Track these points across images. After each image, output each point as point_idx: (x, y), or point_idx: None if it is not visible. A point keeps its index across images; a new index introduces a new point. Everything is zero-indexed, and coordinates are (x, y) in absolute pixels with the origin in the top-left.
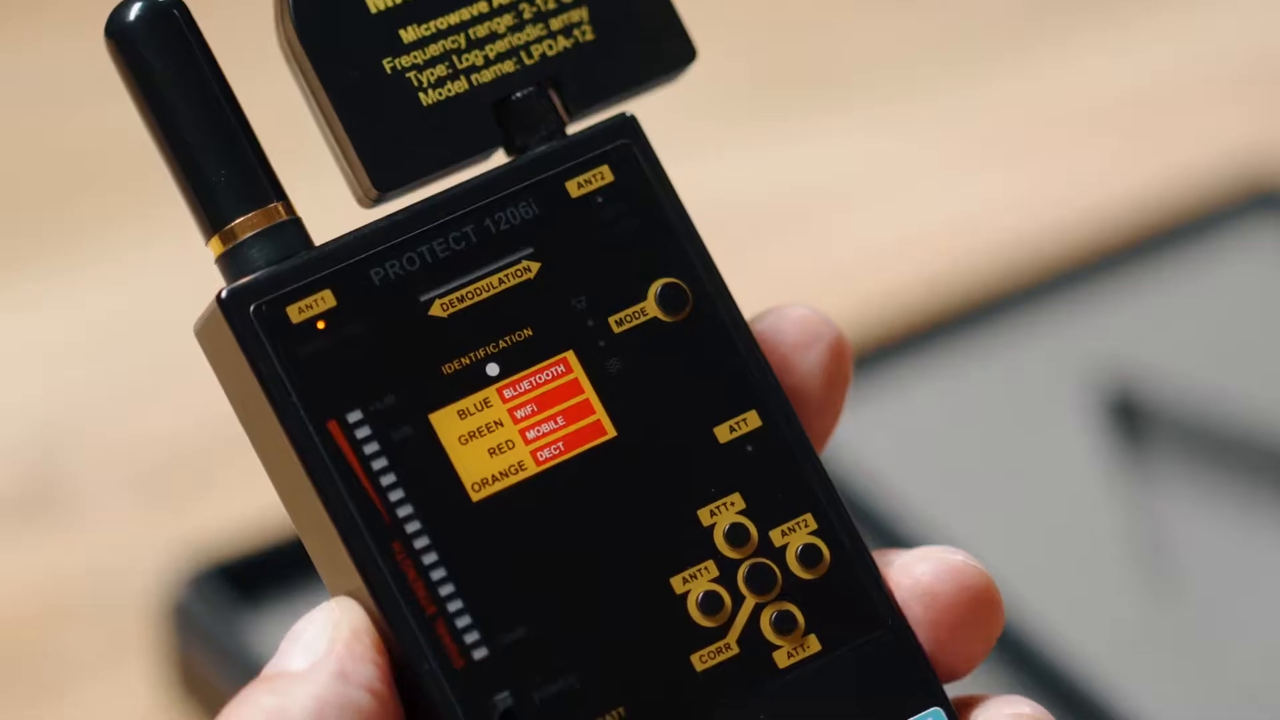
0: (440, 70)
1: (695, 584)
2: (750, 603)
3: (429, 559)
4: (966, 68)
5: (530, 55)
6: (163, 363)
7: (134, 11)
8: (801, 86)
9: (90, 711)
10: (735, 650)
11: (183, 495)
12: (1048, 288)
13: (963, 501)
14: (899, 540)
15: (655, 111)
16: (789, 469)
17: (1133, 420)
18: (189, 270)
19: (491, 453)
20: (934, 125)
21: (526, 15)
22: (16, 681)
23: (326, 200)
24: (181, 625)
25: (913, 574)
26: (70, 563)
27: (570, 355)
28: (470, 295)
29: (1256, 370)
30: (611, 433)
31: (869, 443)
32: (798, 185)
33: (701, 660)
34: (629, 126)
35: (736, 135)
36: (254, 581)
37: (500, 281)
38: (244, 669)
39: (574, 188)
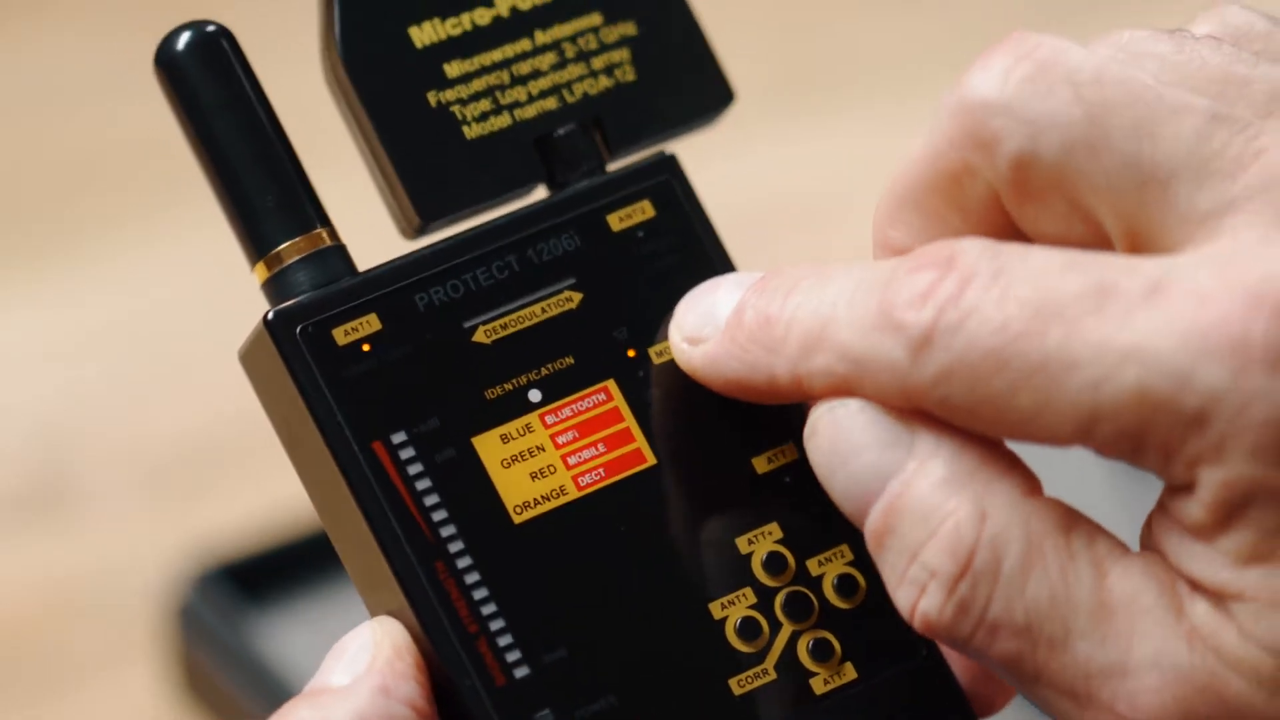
0: (484, 105)
1: (733, 610)
2: (787, 630)
3: (471, 579)
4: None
5: (573, 93)
6: (166, 362)
7: (182, 41)
8: (809, 88)
9: (94, 712)
10: (773, 676)
11: (187, 495)
12: None
13: None
14: None
15: None
16: (826, 500)
17: None
18: (193, 270)
19: (533, 476)
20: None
21: (569, 54)
22: (20, 681)
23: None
24: (186, 625)
25: None
26: (74, 562)
27: (611, 384)
28: (513, 323)
29: None
30: (651, 460)
31: None
32: (805, 187)
33: (740, 685)
34: (669, 164)
35: (744, 137)
36: (258, 582)
37: (543, 310)
38: (248, 669)
39: (615, 221)
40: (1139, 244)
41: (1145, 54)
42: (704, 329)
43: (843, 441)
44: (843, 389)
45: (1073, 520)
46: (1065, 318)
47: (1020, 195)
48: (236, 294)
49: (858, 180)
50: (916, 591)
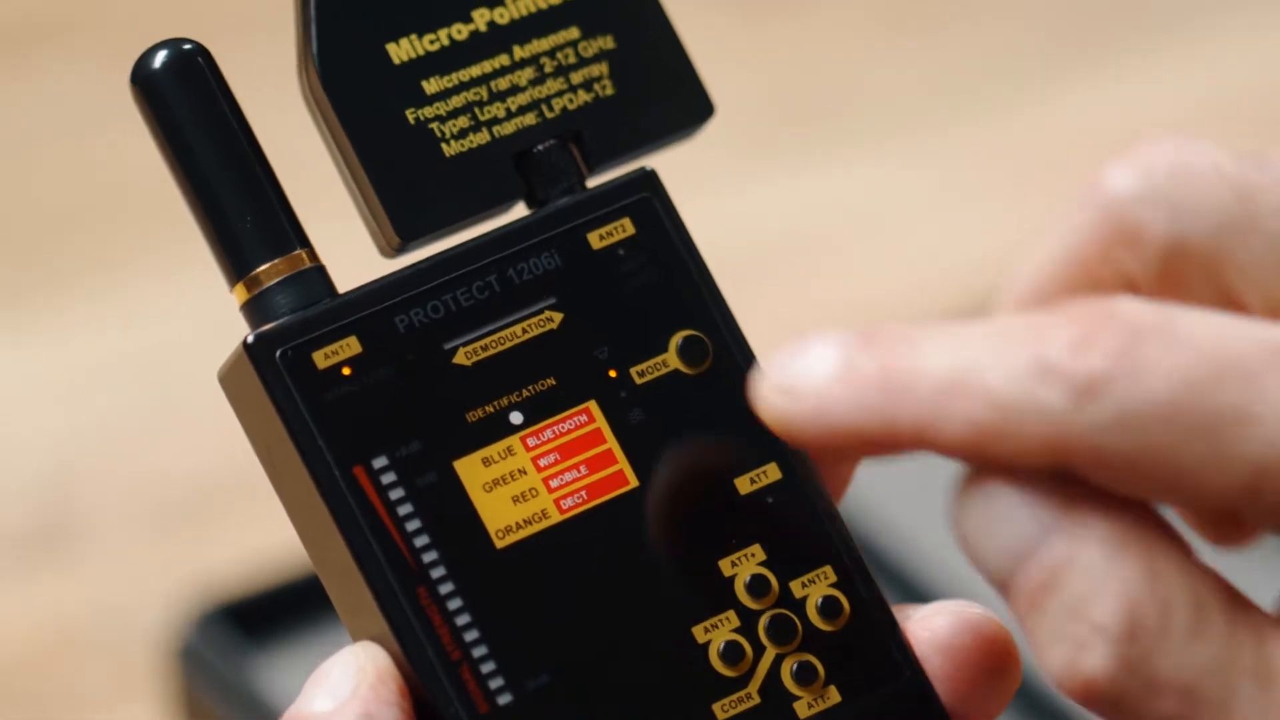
0: (463, 122)
1: (717, 634)
2: (771, 653)
3: (454, 604)
4: (979, 107)
5: (551, 109)
6: (173, 401)
7: (159, 59)
8: (810, 124)
9: None
10: (757, 700)
11: (190, 534)
12: None
13: None
14: (917, 591)
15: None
16: (809, 521)
17: None
18: (197, 308)
19: (515, 500)
20: (945, 164)
21: (548, 69)
22: (23, 718)
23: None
24: (188, 664)
25: (931, 627)
26: (77, 600)
27: (593, 405)
28: (494, 344)
29: None
30: (634, 483)
31: (887, 493)
32: (806, 222)
33: (724, 709)
34: (649, 180)
35: (743, 172)
36: (260, 621)
37: (524, 331)
38: (250, 708)
39: (596, 240)
40: None
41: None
42: (801, 380)
43: (1001, 499)
44: (981, 440)
45: (1231, 587)
46: (1244, 371)
47: (1166, 285)
48: (242, 332)
49: (861, 216)
50: (1076, 650)
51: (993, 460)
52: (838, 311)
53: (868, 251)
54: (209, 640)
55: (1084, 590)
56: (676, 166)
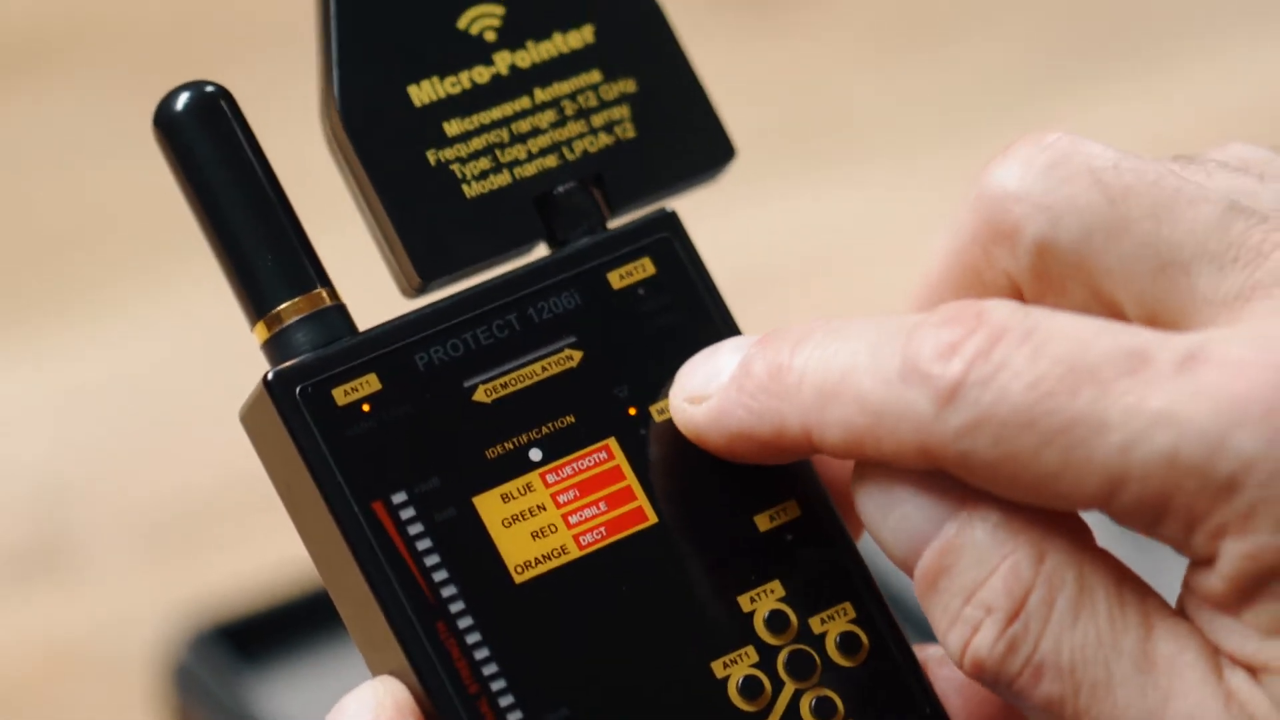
0: (484, 163)
1: (736, 669)
2: (790, 688)
3: (473, 639)
4: (973, 127)
5: (572, 151)
6: (166, 420)
7: (181, 102)
8: (805, 144)
9: None
10: None
11: (185, 554)
12: None
13: None
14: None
15: None
16: (828, 558)
17: None
18: (193, 328)
19: (534, 536)
20: (940, 184)
21: (569, 111)
22: None
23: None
24: (183, 685)
25: (952, 668)
26: (72, 620)
27: (612, 442)
28: (513, 382)
29: None
30: (652, 519)
31: None
32: (804, 243)
33: None
34: (670, 221)
35: (745, 194)
36: (255, 642)
37: (543, 369)
38: None
39: (616, 279)
40: (1160, 326)
41: (1158, 161)
42: (707, 388)
43: (897, 487)
44: (858, 443)
45: (1125, 574)
46: (1098, 378)
47: (1041, 284)
48: (237, 352)
49: (859, 237)
50: (969, 630)
51: (871, 462)
52: None
53: (862, 272)
54: (204, 660)
55: (974, 573)
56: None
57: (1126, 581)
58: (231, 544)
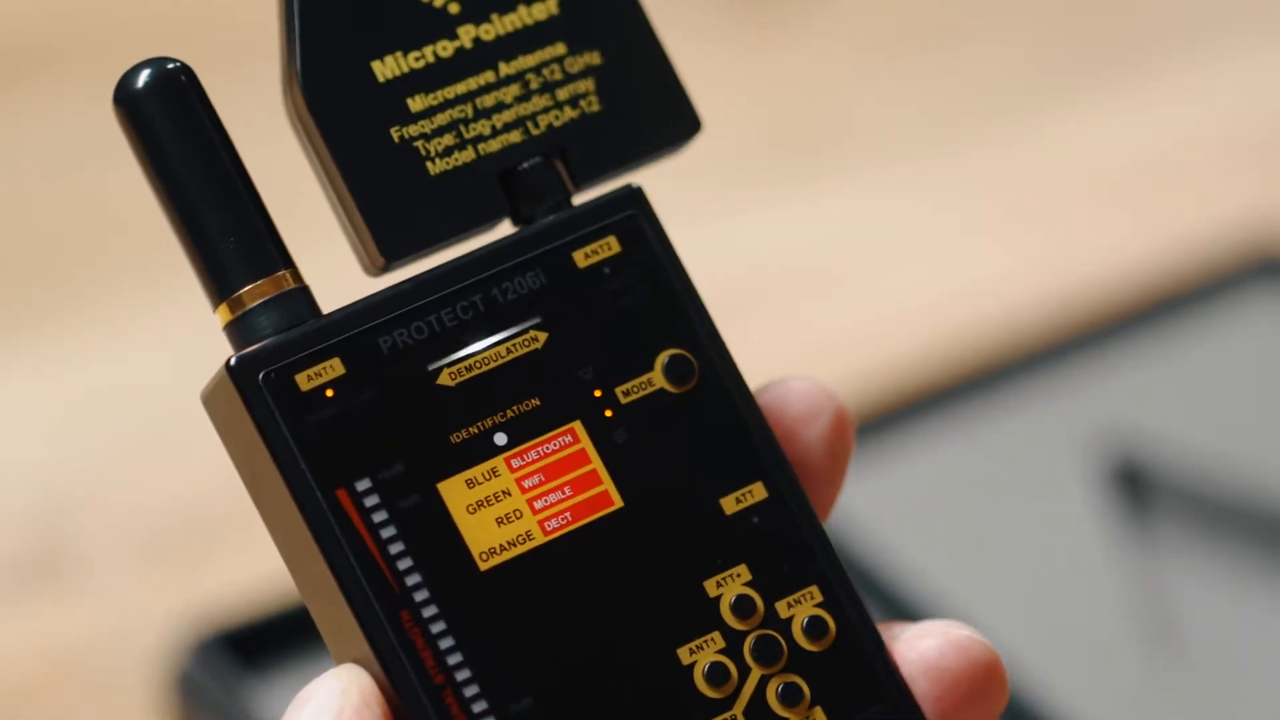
0: (448, 139)
1: (702, 655)
2: (756, 674)
3: (437, 628)
4: (970, 137)
5: (537, 125)
6: (167, 429)
7: (142, 79)
8: (804, 152)
9: None
10: None
11: (186, 562)
12: (1051, 355)
13: (967, 569)
14: (904, 609)
15: (658, 177)
16: (795, 541)
17: (1137, 487)
18: (193, 336)
19: (499, 522)
20: (936, 193)
21: (533, 85)
22: None
23: (333, 268)
24: (185, 693)
25: (918, 648)
26: (74, 629)
27: (578, 425)
28: (478, 365)
29: (1260, 438)
30: (619, 503)
31: (874, 511)
32: (801, 251)
33: None
34: (635, 198)
35: (734, 200)
36: (258, 649)
37: (508, 351)
38: None
39: (581, 258)
40: None
41: None
42: None
43: None
44: None
45: None
46: None
47: None
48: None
49: (854, 246)
50: None
51: None
52: (827, 340)
53: (857, 281)
54: (206, 668)
55: None
56: (670, 195)
57: None
58: (233, 551)
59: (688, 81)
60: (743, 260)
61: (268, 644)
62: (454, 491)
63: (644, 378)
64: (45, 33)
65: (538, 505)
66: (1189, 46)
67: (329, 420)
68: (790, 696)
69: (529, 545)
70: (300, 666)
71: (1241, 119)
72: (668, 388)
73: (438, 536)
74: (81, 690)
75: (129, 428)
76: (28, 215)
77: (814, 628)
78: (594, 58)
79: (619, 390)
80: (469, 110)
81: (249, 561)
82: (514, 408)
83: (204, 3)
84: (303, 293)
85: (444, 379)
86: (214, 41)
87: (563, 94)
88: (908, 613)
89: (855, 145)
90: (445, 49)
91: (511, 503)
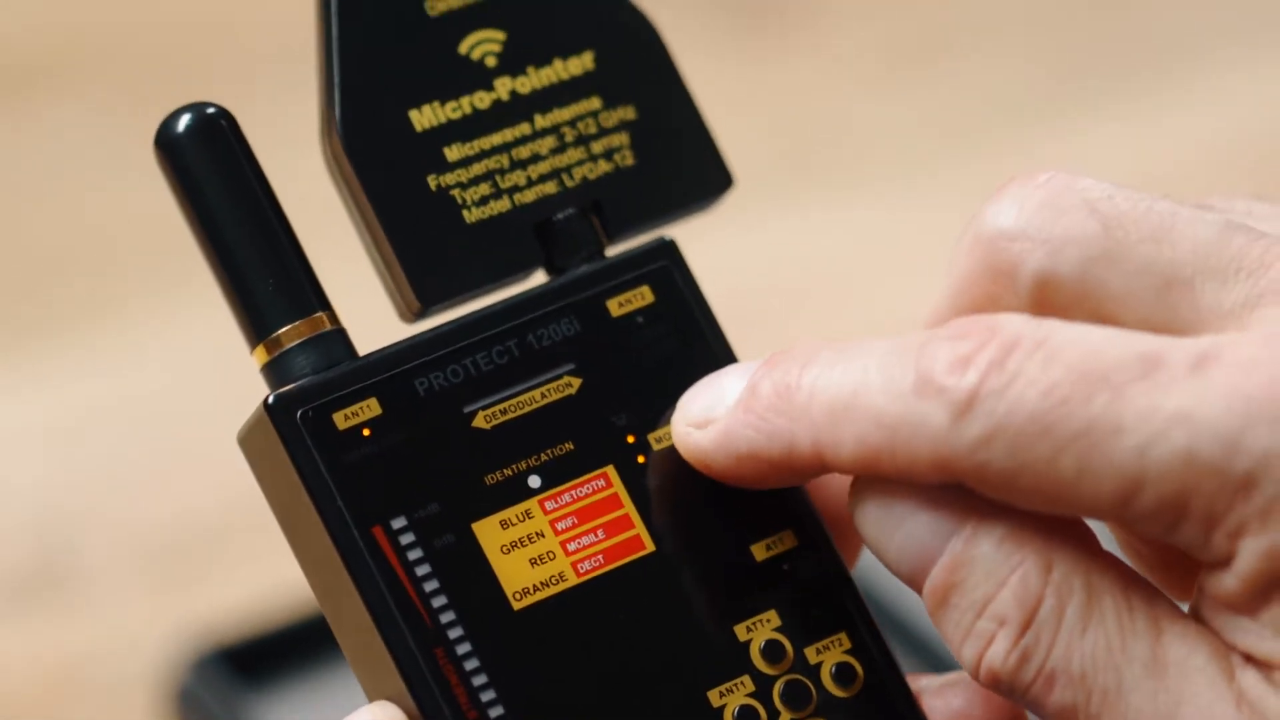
0: (484, 189)
1: (732, 698)
2: (786, 718)
3: (470, 665)
4: (973, 148)
5: (572, 178)
6: (166, 445)
7: (183, 124)
8: (805, 164)
9: None
10: None
11: (186, 578)
12: None
13: None
14: (935, 656)
15: None
16: (824, 588)
17: None
18: (194, 352)
19: (533, 563)
20: (934, 207)
21: (569, 138)
22: None
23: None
24: (185, 707)
25: (946, 698)
26: (75, 643)
27: (610, 470)
28: (513, 408)
29: None
30: (650, 547)
31: None
32: (797, 266)
33: None
34: (669, 249)
35: (736, 215)
36: (256, 664)
37: (543, 396)
38: None
39: (615, 307)
40: None
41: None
42: (713, 411)
43: (898, 504)
44: (873, 458)
45: (1133, 579)
46: (1111, 383)
47: (1044, 315)
48: (237, 376)
49: (852, 261)
50: (984, 643)
51: (887, 477)
52: None
53: (861, 292)
54: (206, 682)
55: (984, 587)
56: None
57: (1135, 587)
58: (233, 566)
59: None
60: (745, 273)
61: (266, 659)
62: (488, 532)
63: None
64: (42, 48)
65: (571, 547)
66: (1192, 60)
67: (365, 459)
68: None
69: (562, 586)
70: (299, 681)
71: (1246, 132)
72: None
73: (472, 576)
74: (82, 704)
75: (129, 443)
76: (27, 230)
77: (842, 674)
78: (628, 112)
79: (651, 437)
80: (505, 161)
81: (248, 576)
82: (548, 451)
83: (203, 21)
84: (339, 334)
85: (479, 421)
86: (214, 59)
87: (597, 147)
88: (942, 661)
89: (857, 157)
90: (483, 100)
91: (545, 544)
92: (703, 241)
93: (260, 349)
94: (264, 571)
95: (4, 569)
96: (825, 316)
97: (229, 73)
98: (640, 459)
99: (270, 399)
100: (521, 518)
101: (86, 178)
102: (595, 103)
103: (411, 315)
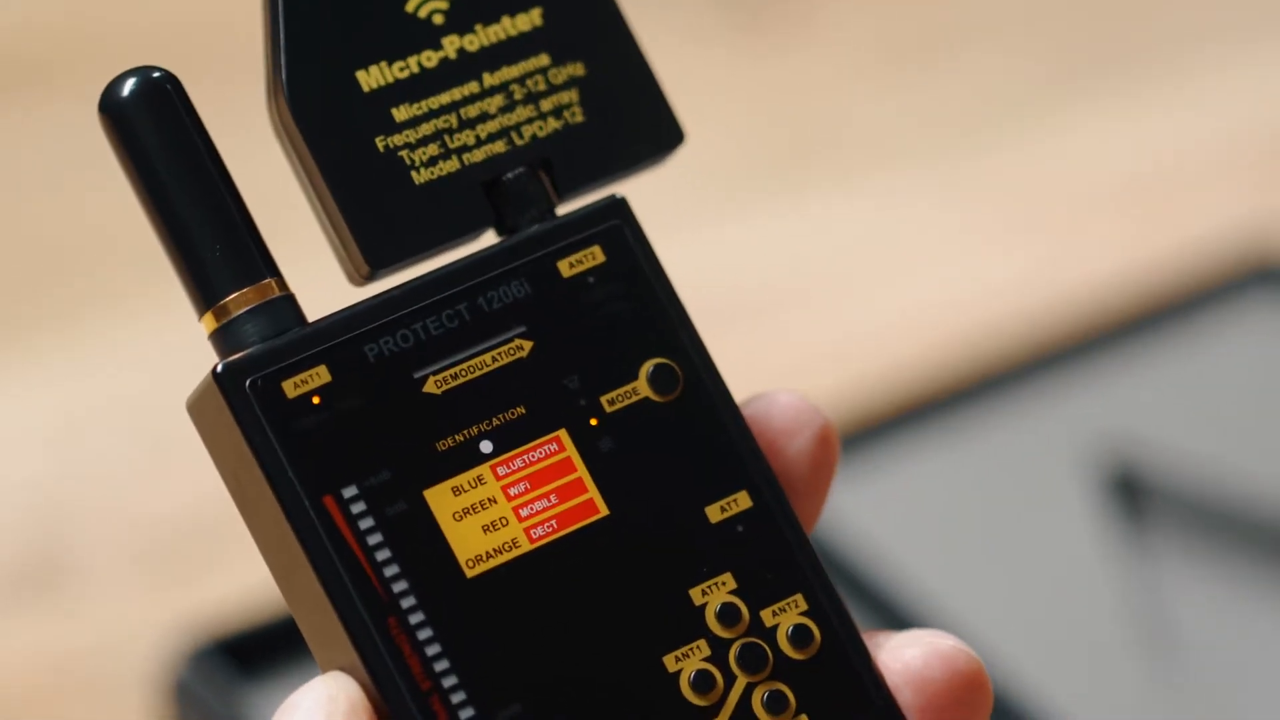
0: (432, 149)
1: (688, 663)
2: (742, 682)
3: (424, 634)
4: (969, 144)
5: (521, 136)
6: (163, 440)
7: (128, 87)
8: (803, 159)
9: None
10: None
11: (182, 572)
12: (1048, 364)
13: (962, 578)
14: (897, 617)
15: (659, 183)
16: (780, 549)
17: (1133, 496)
18: (190, 348)
19: (485, 529)
20: (934, 200)
21: (518, 96)
22: None
23: (318, 277)
24: (182, 702)
25: (902, 658)
26: (70, 639)
27: (563, 434)
28: (464, 373)
29: (1258, 446)
30: (604, 511)
31: (868, 519)
32: (796, 262)
33: None
34: (620, 208)
35: (734, 211)
36: (254, 658)
37: (493, 359)
38: None
39: (566, 267)
40: None
41: None
42: None
43: None
44: None
45: None
46: None
47: None
48: None
49: (850, 256)
50: None
51: None
52: (827, 347)
53: (858, 288)
54: (202, 676)
55: None
56: (669, 202)
57: None
58: (229, 560)
59: (688, 89)
60: (742, 269)
61: (263, 652)
62: (440, 499)
63: (629, 387)
64: (43, 44)
65: (523, 513)
66: (1189, 55)
67: (315, 427)
68: (775, 704)
69: (515, 553)
70: (295, 675)
71: (1241, 128)
72: (652, 397)
73: (424, 543)
74: (79, 699)
75: (126, 439)
76: (23, 228)
77: (799, 636)
78: (577, 69)
79: (604, 399)
80: (453, 120)
81: (245, 570)
82: (500, 416)
83: (192, 15)
84: (288, 301)
85: (430, 387)
86: (203, 53)
87: (546, 105)
88: (904, 621)
89: (855, 153)
90: (430, 59)
91: (497, 510)
92: (701, 238)
93: (208, 316)
94: (260, 566)
95: (0, 565)
96: (824, 312)
97: (229, 73)
98: (593, 422)
99: (218, 368)
100: (473, 484)
101: (86, 177)
102: (544, 59)
103: (361, 279)
